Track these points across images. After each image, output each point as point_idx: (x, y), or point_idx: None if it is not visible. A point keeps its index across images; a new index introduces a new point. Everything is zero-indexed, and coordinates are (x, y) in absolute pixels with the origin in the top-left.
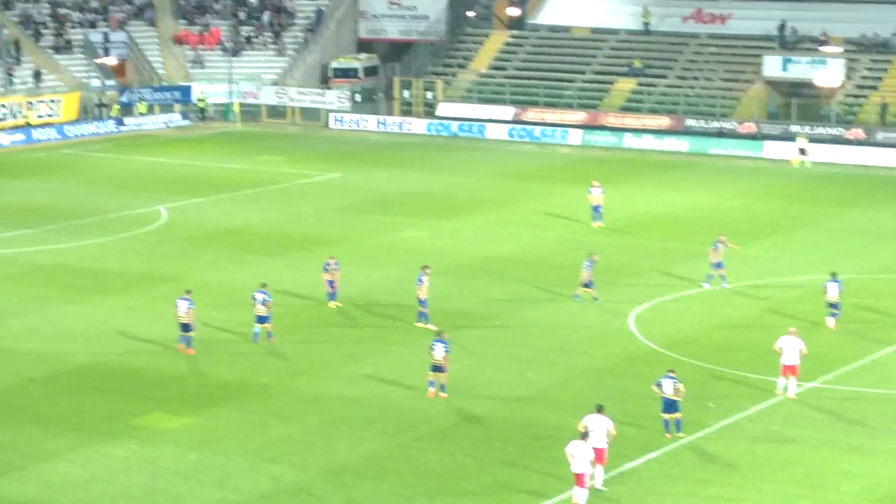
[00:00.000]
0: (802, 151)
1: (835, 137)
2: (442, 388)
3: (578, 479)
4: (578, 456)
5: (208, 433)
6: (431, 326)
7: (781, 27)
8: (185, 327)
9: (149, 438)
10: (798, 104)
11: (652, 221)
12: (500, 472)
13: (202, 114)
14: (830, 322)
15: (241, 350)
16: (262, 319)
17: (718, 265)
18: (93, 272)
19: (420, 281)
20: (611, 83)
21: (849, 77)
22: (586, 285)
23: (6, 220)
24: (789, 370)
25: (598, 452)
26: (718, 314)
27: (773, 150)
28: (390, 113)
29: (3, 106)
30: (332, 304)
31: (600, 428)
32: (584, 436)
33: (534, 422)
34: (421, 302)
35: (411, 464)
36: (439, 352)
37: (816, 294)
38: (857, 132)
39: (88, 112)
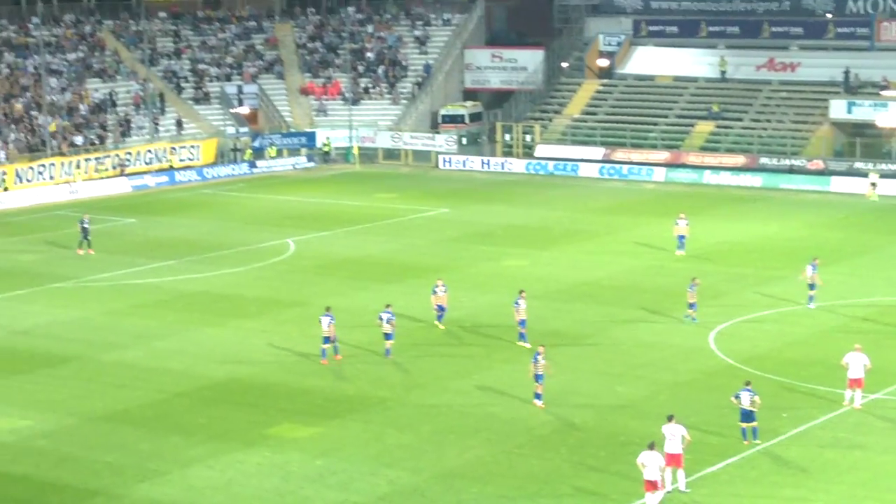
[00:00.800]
0: (874, 185)
1: (882, 173)
2: (537, 396)
3: (649, 486)
4: (650, 465)
5: (332, 441)
6: (527, 345)
7: (846, 74)
8: (327, 340)
9: (279, 446)
10: (861, 143)
11: (729, 250)
12: (593, 477)
13: (325, 156)
14: None
15: (361, 367)
16: (388, 336)
17: (812, 287)
18: (230, 298)
19: (517, 304)
20: (691, 125)
21: None
22: (690, 306)
23: (153, 253)
24: (855, 383)
25: (676, 457)
26: (790, 332)
27: (839, 184)
28: (493, 154)
29: (150, 151)
30: (440, 326)
31: (675, 434)
32: (652, 446)
33: (623, 430)
34: (520, 323)
35: (513, 468)
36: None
37: (880, 314)
38: None
39: (224, 156)
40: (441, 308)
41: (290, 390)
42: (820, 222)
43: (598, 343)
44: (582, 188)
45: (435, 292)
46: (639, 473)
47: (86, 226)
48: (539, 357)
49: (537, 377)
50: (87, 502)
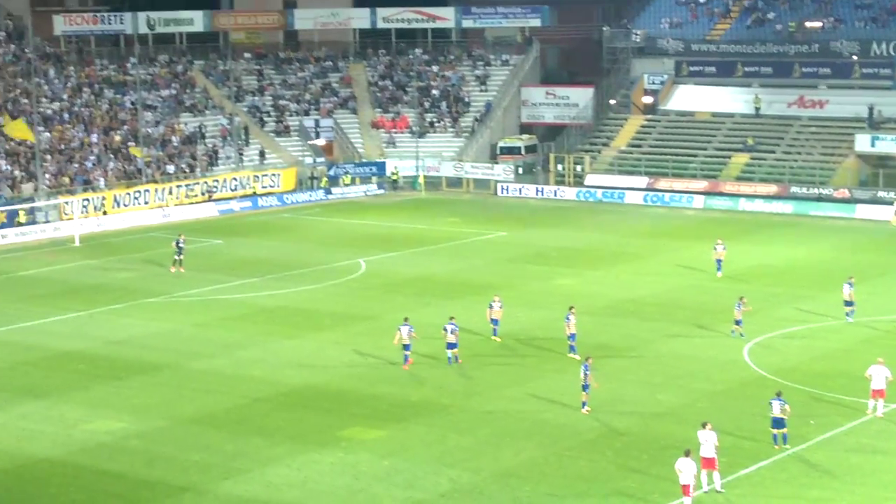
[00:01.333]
0: None
1: None
2: (584, 404)
3: (685, 490)
4: (686, 470)
5: (398, 443)
6: (577, 357)
7: (870, 110)
8: (407, 347)
9: (350, 447)
10: (884, 174)
11: (762, 271)
12: (636, 478)
13: (394, 184)
14: None
15: (424, 375)
16: (451, 346)
17: (848, 304)
18: (306, 312)
19: (567, 319)
20: (728, 157)
21: None
22: (737, 322)
23: (238, 271)
24: (878, 393)
25: (710, 461)
26: (818, 347)
27: (863, 212)
28: (546, 183)
29: (235, 179)
30: (496, 339)
31: (709, 440)
32: (688, 453)
33: (663, 435)
34: (570, 336)
35: (563, 469)
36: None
37: None
38: None
39: (303, 183)
40: (495, 322)
41: (361, 396)
42: (846, 246)
43: (641, 355)
44: (627, 214)
45: (491, 307)
46: (670, 471)
47: (181, 245)
48: (588, 368)
49: (584, 387)
50: (176, 498)
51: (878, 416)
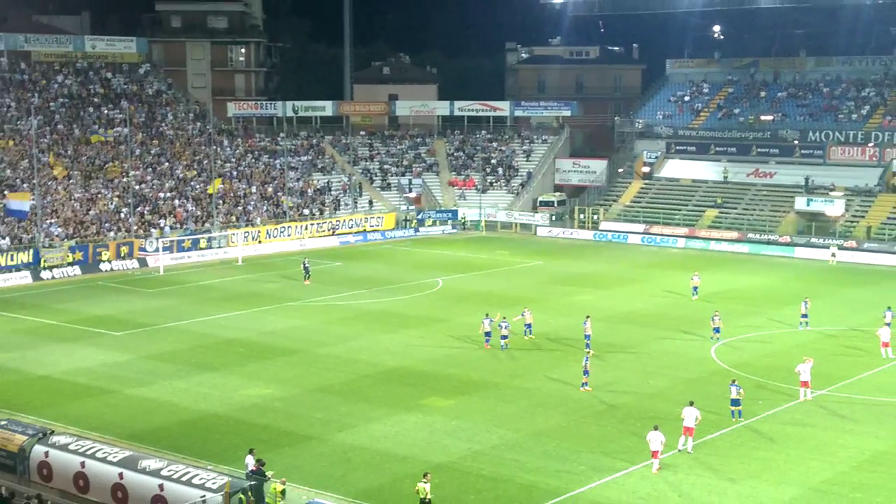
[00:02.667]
0: (833, 255)
1: (840, 246)
2: (584, 384)
3: (654, 454)
4: (654, 440)
5: (462, 409)
6: (591, 351)
7: (806, 180)
8: (488, 335)
9: (428, 412)
10: (815, 226)
11: (726, 294)
12: (632, 439)
13: (463, 226)
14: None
15: (481, 362)
16: (504, 337)
17: (804, 316)
18: (399, 315)
19: (585, 324)
20: (703, 211)
21: (847, 209)
22: (715, 330)
23: (351, 285)
24: (804, 384)
25: (689, 430)
26: (766, 349)
27: (801, 252)
28: (572, 227)
29: (351, 220)
30: (528, 338)
31: (690, 415)
32: (656, 427)
33: (653, 409)
34: (586, 336)
35: (580, 431)
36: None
37: (826, 337)
38: (852, 243)
39: (399, 224)
40: (528, 325)
41: (436, 376)
42: (788, 277)
43: (638, 351)
44: (629, 251)
45: (523, 315)
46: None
47: (306, 265)
48: (588, 359)
49: (585, 372)
50: (305, 443)
51: (808, 399)
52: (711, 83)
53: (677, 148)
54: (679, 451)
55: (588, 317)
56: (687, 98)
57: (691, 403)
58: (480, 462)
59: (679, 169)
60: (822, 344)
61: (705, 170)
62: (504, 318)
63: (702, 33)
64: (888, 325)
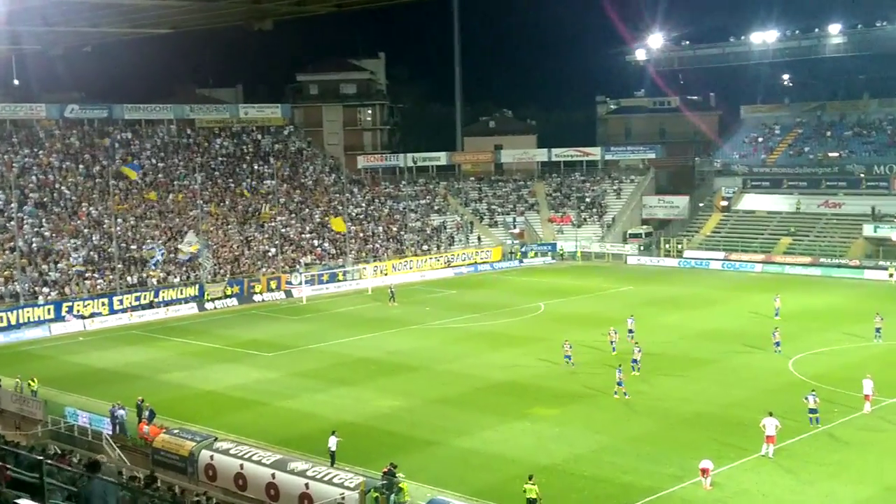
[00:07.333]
0: (891, 275)
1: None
2: (624, 393)
3: (768, 439)
4: (768, 425)
5: (564, 418)
6: (639, 363)
7: (873, 209)
8: (568, 357)
9: (534, 420)
10: (883, 250)
11: (801, 312)
12: (715, 444)
13: (562, 257)
14: None
15: (579, 376)
16: (567, 357)
17: (878, 330)
18: (506, 335)
19: (629, 332)
20: (778, 239)
21: None
22: (776, 344)
23: (464, 309)
24: (867, 397)
25: (771, 438)
26: (839, 362)
27: (869, 275)
28: (659, 256)
29: (464, 254)
30: (614, 353)
31: (770, 424)
32: (770, 413)
33: (735, 416)
34: (636, 350)
35: (671, 436)
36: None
37: (889, 352)
38: None
39: (505, 256)
40: (613, 343)
41: (540, 388)
42: (858, 296)
43: (720, 365)
44: (711, 276)
45: (610, 333)
46: (741, 440)
47: (392, 291)
48: (620, 371)
49: (619, 382)
50: (428, 448)
51: (865, 412)
52: (782, 125)
53: (752, 183)
54: (761, 455)
55: (633, 338)
56: (760, 139)
57: (770, 414)
58: (581, 464)
59: (755, 202)
60: (892, 356)
61: (779, 202)
62: (567, 342)
63: (772, 81)
64: None
